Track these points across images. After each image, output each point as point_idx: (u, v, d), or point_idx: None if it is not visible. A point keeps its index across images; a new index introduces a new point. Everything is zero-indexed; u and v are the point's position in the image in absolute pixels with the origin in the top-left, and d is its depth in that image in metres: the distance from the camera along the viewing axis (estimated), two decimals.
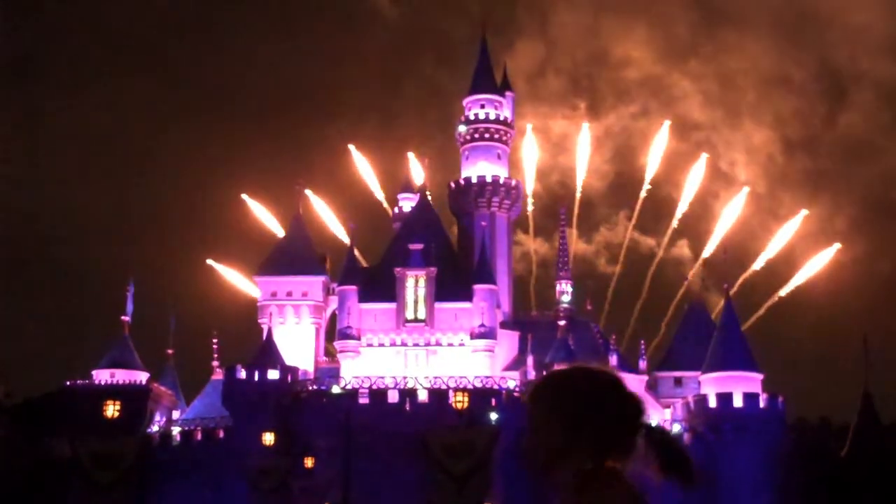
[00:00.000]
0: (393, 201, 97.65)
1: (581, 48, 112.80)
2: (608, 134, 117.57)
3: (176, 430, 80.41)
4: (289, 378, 77.42)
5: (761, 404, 76.79)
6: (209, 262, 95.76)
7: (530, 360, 78.19)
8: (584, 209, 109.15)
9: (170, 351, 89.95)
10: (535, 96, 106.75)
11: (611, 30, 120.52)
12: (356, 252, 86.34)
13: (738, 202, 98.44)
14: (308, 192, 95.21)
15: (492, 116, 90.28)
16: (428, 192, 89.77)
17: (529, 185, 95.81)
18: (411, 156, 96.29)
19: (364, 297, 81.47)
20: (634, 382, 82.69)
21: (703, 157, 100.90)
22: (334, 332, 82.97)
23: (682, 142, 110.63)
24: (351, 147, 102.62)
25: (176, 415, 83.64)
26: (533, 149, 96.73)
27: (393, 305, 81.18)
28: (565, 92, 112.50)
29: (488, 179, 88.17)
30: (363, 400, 75.49)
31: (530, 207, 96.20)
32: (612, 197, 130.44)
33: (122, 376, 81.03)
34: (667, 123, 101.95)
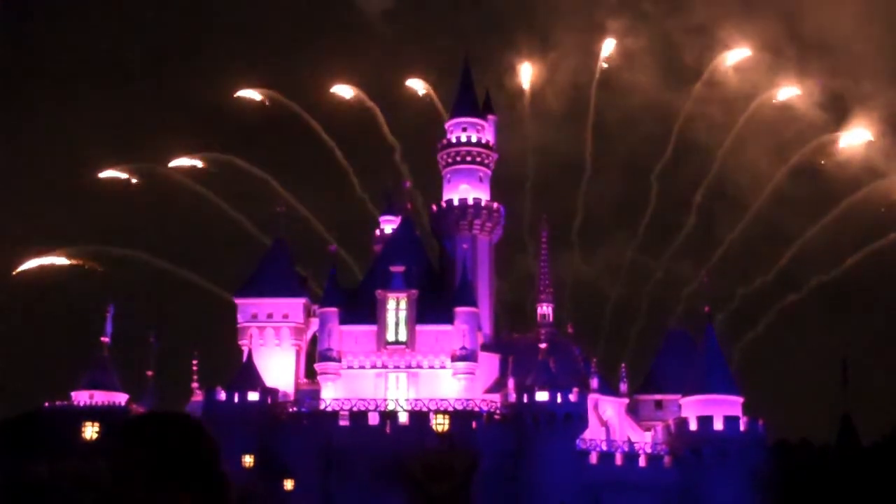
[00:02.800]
0: (376, 222, 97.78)
1: (584, 71, 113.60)
2: (612, 156, 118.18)
3: None
4: (269, 400, 77.24)
5: (742, 427, 76.94)
6: None
7: (511, 382, 78.20)
8: (588, 231, 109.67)
9: (149, 372, 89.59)
10: (537, 118, 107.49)
11: (613, 54, 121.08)
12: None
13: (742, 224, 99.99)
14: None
15: (473, 139, 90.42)
16: (410, 214, 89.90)
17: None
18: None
19: (345, 319, 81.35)
20: (615, 405, 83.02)
21: (707, 179, 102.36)
22: (315, 354, 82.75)
23: (686, 165, 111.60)
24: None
25: None
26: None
27: (374, 328, 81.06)
28: (568, 115, 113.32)
29: (470, 202, 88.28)
30: (343, 422, 75.38)
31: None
32: (616, 219, 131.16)
33: (101, 398, 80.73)
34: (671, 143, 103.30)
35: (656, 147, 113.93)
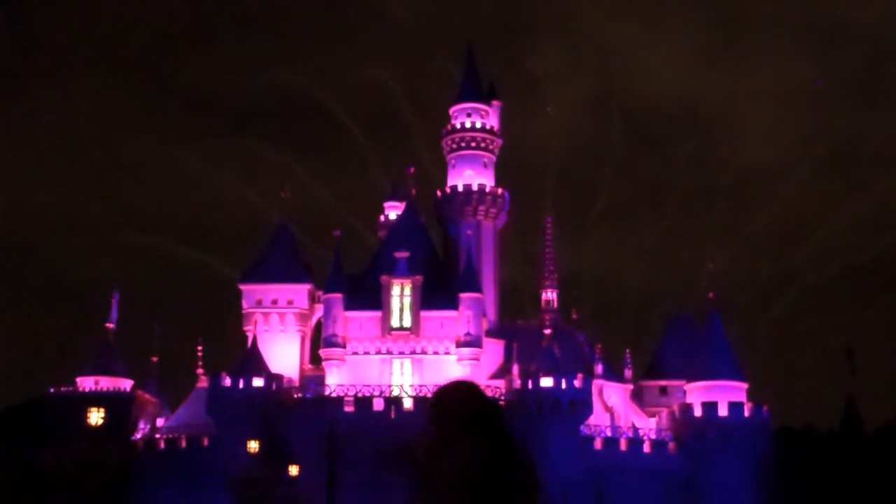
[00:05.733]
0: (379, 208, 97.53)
1: (605, 57, 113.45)
2: (635, 142, 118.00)
3: (160, 438, 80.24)
4: (274, 386, 77.26)
5: (746, 413, 76.97)
6: None
7: (516, 368, 78.26)
8: (609, 215, 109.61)
9: (154, 358, 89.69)
10: (560, 102, 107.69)
11: (636, 39, 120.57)
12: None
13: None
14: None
15: (478, 125, 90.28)
16: (414, 200, 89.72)
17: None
18: None
19: (350, 304, 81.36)
20: (619, 391, 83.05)
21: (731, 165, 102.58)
22: (320, 340, 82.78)
23: (708, 153, 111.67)
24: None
25: (160, 422, 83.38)
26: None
27: (378, 313, 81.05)
28: (590, 99, 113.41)
29: (474, 188, 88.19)
30: (348, 408, 75.43)
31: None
32: (638, 203, 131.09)
33: (106, 383, 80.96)
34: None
35: (682, 133, 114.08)
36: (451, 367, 79.67)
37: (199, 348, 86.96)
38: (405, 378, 79.74)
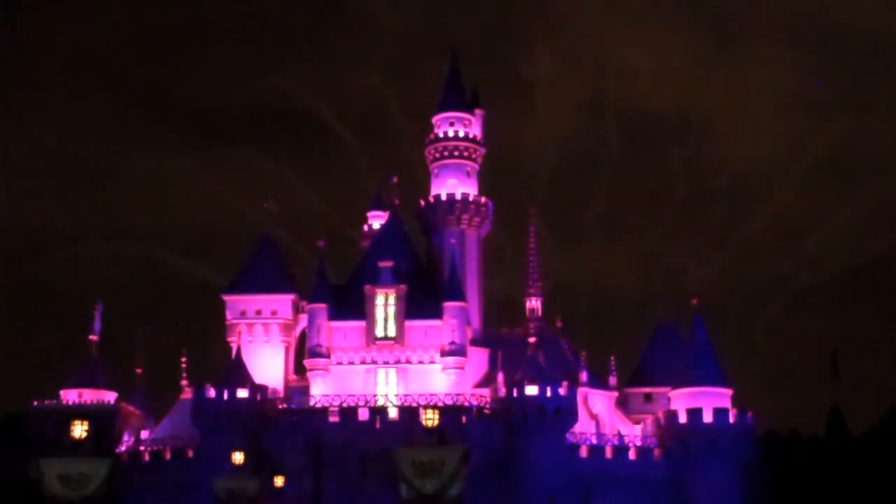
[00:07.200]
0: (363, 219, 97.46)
1: (598, 61, 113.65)
2: (629, 147, 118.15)
3: (145, 450, 79.97)
4: (258, 397, 77.10)
5: (731, 420, 77.09)
6: None
7: (500, 377, 78.25)
8: (603, 221, 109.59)
9: (138, 370, 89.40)
10: (553, 107, 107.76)
11: (629, 43, 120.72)
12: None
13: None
14: None
15: (461, 134, 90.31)
16: (397, 209, 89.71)
17: None
18: None
19: (334, 314, 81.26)
20: (604, 399, 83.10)
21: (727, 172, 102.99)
22: (304, 351, 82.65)
23: (703, 157, 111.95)
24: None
25: (145, 434, 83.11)
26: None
27: (363, 323, 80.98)
28: (584, 104, 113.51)
29: (457, 197, 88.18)
30: (333, 418, 75.32)
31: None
32: (632, 208, 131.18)
33: (89, 396, 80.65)
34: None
35: (676, 137, 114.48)
36: (436, 376, 79.66)
37: (184, 360, 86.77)
38: (390, 387, 79.67)
